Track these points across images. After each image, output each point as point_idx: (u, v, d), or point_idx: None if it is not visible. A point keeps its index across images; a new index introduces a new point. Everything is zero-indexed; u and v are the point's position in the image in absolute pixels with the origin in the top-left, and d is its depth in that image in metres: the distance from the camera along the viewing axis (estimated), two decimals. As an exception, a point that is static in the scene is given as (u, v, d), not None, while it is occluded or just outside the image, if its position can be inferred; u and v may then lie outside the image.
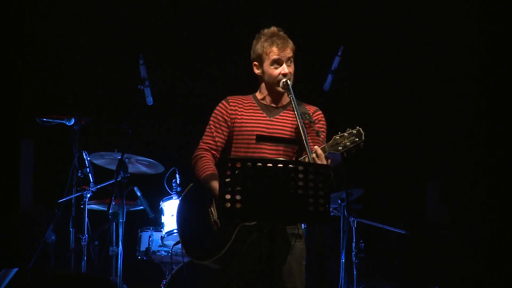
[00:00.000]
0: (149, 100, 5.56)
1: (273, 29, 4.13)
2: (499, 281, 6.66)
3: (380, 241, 6.84)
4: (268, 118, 4.12)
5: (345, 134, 3.90)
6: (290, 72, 4.07)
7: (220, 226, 3.96)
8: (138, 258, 6.15)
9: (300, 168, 3.49)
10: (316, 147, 3.89)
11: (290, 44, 4.10)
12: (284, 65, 4.06)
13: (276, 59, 4.06)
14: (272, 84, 4.11)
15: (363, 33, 6.90)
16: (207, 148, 4.13)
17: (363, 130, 3.89)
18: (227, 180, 3.47)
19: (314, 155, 3.86)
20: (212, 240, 3.96)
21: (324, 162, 3.84)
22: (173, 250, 5.72)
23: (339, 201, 6.15)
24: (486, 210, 6.85)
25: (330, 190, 3.54)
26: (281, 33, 4.12)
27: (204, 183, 4.02)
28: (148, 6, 7.01)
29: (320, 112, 4.20)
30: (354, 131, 3.89)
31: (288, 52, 4.07)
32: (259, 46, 4.10)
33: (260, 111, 4.14)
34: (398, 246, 6.99)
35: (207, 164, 4.06)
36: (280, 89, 4.09)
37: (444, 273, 6.86)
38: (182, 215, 4.16)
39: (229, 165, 3.48)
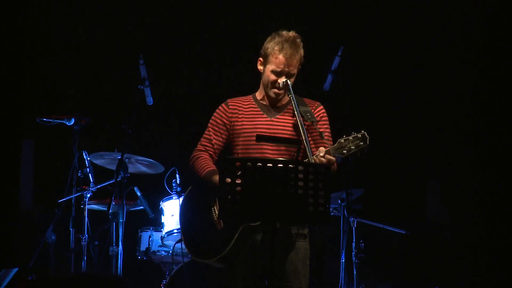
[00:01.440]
0: (149, 100, 5.55)
1: (291, 34, 4.05)
2: (499, 281, 6.66)
3: (380, 241, 6.83)
4: (268, 119, 4.11)
5: (350, 137, 3.84)
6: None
7: (223, 226, 3.95)
8: (138, 258, 6.14)
9: (300, 168, 3.49)
10: (321, 149, 3.84)
11: (299, 55, 4.02)
12: (283, 77, 4.02)
13: (278, 71, 4.02)
14: (265, 87, 4.10)
15: (363, 33, 6.90)
16: (204, 149, 4.13)
17: (368, 135, 3.82)
18: (227, 180, 3.47)
19: (320, 157, 3.82)
20: (215, 239, 3.96)
21: (328, 164, 3.79)
22: (173, 249, 5.72)
23: (339, 201, 6.14)
24: (486, 210, 6.84)
25: (330, 190, 3.54)
26: (298, 40, 4.04)
27: (206, 180, 4.01)
28: (148, 6, 7.01)
29: (321, 107, 4.17)
30: (359, 135, 3.83)
31: (292, 68, 4.01)
32: (270, 45, 4.05)
33: (260, 112, 4.12)
34: (398, 246, 6.99)
35: (206, 162, 4.06)
36: (271, 94, 4.07)
37: (444, 273, 6.85)
38: (185, 216, 4.17)
39: (229, 165, 3.48)
